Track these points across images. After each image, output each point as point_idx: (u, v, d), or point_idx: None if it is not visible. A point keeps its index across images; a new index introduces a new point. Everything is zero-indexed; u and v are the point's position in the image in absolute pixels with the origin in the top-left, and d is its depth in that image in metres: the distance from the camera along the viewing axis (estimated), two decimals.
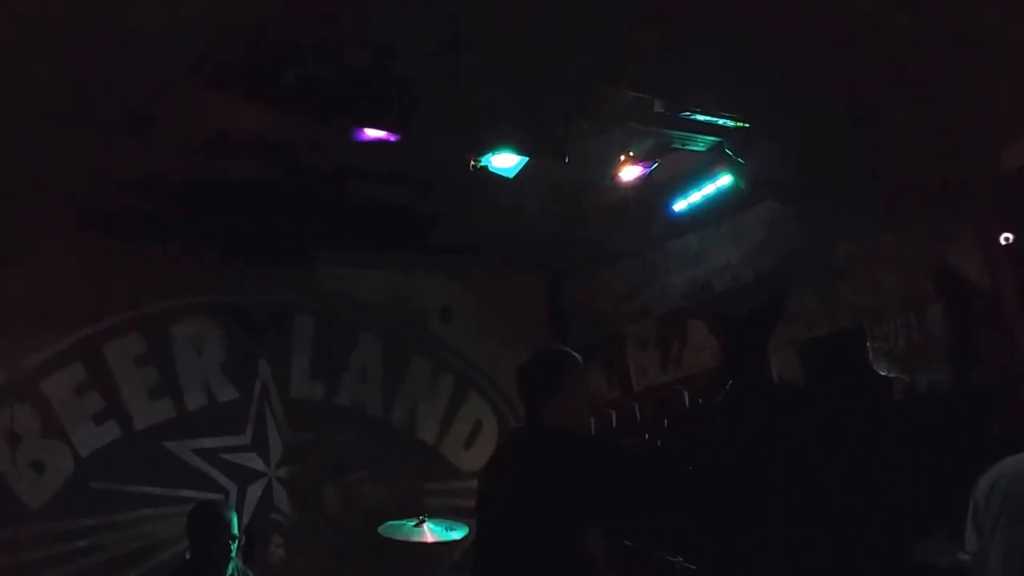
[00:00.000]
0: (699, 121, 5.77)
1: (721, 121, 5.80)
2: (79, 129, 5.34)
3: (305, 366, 7.19)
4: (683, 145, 6.00)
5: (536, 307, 8.14)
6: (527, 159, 5.61)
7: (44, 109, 5.13)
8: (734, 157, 6.08)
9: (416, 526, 5.71)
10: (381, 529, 5.74)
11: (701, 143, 5.99)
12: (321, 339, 7.27)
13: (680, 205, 6.85)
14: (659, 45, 5.10)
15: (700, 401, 7.16)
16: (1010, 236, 5.85)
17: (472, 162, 5.60)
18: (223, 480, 6.77)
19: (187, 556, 5.09)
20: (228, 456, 6.81)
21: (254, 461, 6.91)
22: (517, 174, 5.71)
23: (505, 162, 5.62)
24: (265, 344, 7.06)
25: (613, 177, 6.22)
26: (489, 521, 3.73)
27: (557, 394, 3.73)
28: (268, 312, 7.11)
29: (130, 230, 6.45)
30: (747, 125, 5.82)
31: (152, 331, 6.71)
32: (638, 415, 7.61)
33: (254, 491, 6.87)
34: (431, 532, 5.70)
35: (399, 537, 5.72)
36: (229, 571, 4.91)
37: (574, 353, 3.98)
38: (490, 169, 5.63)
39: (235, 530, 5.02)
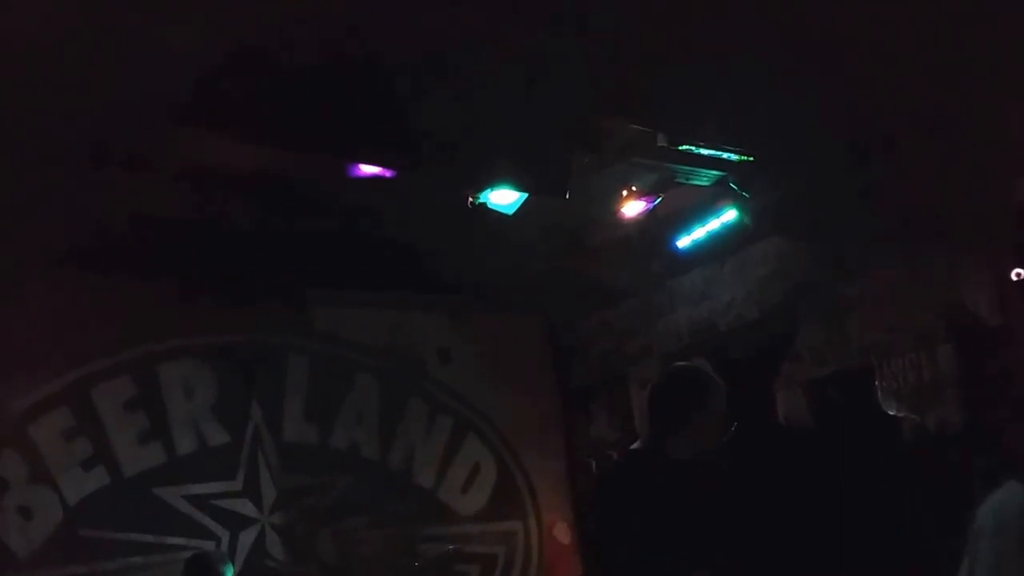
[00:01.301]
0: (703, 155, 5.69)
1: (725, 155, 5.72)
2: (66, 166, 5.23)
3: (299, 408, 7.04)
4: (687, 179, 5.92)
5: (536, 347, 8.03)
6: (527, 195, 5.50)
7: (30, 145, 5.02)
8: (739, 191, 6.01)
9: None
10: None
11: (705, 177, 5.92)
12: (315, 381, 7.12)
13: (684, 241, 6.76)
14: (662, 78, 5.03)
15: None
16: (1022, 272, 5.78)
17: (470, 199, 5.50)
18: (214, 527, 6.59)
19: None
20: (219, 502, 6.64)
21: (246, 507, 6.74)
22: (516, 211, 5.61)
23: (504, 199, 5.52)
24: (257, 386, 6.90)
25: (615, 213, 6.13)
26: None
27: (691, 421, 3.68)
28: (260, 353, 6.96)
29: (119, 270, 6.32)
30: (752, 159, 5.75)
31: (141, 374, 6.56)
32: None
33: (246, 538, 6.70)
34: None
35: None
36: None
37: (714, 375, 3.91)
38: (489, 206, 5.53)
39: None
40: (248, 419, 6.84)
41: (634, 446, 3.83)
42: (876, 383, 6.29)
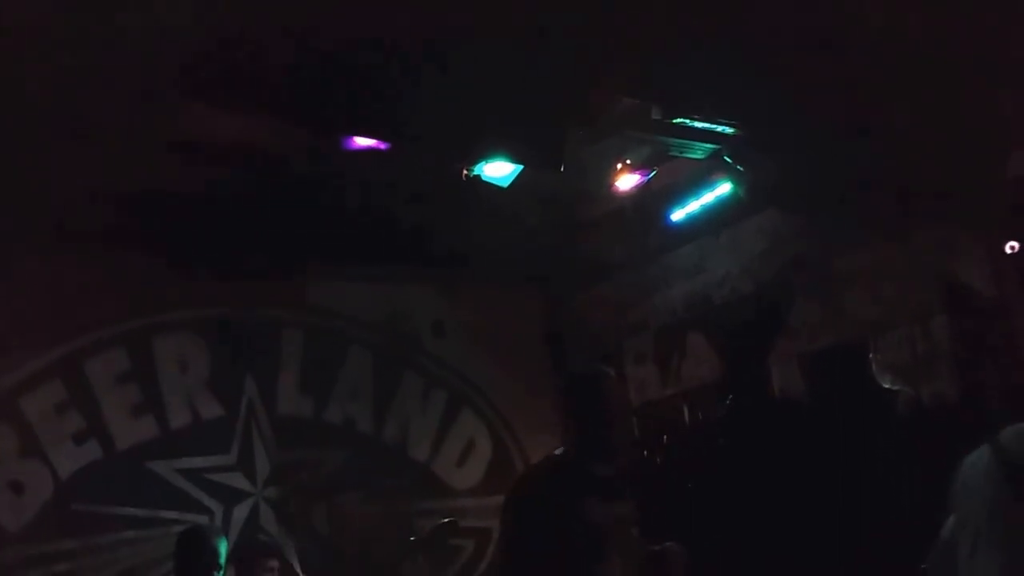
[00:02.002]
0: (697, 128, 5.65)
1: (720, 128, 5.69)
2: (58, 140, 5.18)
3: (293, 382, 7.00)
4: (681, 153, 5.89)
5: (531, 321, 7.99)
6: (521, 168, 5.47)
7: (22, 119, 4.97)
8: (733, 165, 5.98)
9: None
10: None
11: (699, 151, 5.89)
12: (309, 354, 7.08)
13: (678, 215, 6.74)
14: (656, 51, 5.00)
15: (701, 416, 7.05)
16: (1016, 245, 5.77)
17: (465, 171, 5.47)
18: (208, 501, 6.57)
19: None
20: (213, 476, 6.60)
21: (240, 481, 6.70)
22: (511, 184, 5.58)
23: (498, 171, 5.49)
24: (251, 360, 6.86)
25: (610, 186, 6.12)
26: None
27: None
28: (254, 327, 6.91)
29: (112, 244, 6.25)
30: (746, 132, 5.72)
31: (135, 347, 6.51)
32: (637, 430, 7.48)
33: (240, 512, 6.67)
34: None
35: None
36: None
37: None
38: (483, 178, 5.50)
39: (222, 560, 4.85)
40: (242, 393, 6.79)
41: (557, 451, 3.79)
42: (871, 357, 6.35)
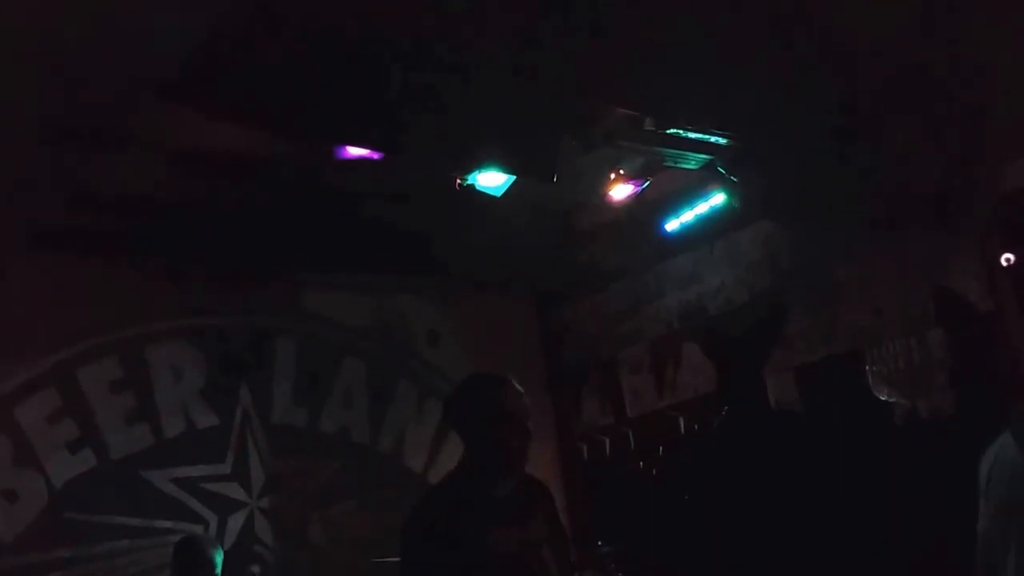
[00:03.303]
0: (690, 138, 5.65)
1: (713, 138, 5.69)
2: (52, 146, 5.19)
3: (288, 391, 7.00)
4: (674, 163, 5.89)
5: (526, 331, 8.00)
6: (515, 178, 5.47)
7: (15, 125, 4.98)
8: (727, 175, 5.98)
9: None
10: None
11: (693, 161, 5.88)
12: (304, 363, 7.08)
13: (672, 224, 6.75)
14: (649, 62, 5.00)
15: (696, 427, 7.03)
16: (1011, 257, 5.76)
17: (459, 181, 5.47)
18: (203, 510, 6.54)
19: None
20: (208, 485, 6.58)
21: (235, 491, 6.68)
22: (505, 193, 5.59)
23: (492, 181, 5.50)
24: (246, 369, 6.85)
25: (603, 196, 6.13)
26: None
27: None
28: (250, 336, 6.91)
29: (107, 251, 6.27)
30: (740, 143, 5.71)
31: (129, 356, 6.50)
32: (632, 442, 7.47)
33: (235, 522, 6.64)
34: None
35: None
36: None
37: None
38: (477, 188, 5.51)
39: (218, 570, 4.86)
40: (237, 402, 6.79)
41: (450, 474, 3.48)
42: (867, 368, 6.33)
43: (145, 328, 6.57)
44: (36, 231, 5.97)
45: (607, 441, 7.64)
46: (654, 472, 7.13)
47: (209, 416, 6.69)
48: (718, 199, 6.37)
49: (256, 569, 6.35)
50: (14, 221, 5.78)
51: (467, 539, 3.13)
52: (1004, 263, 5.75)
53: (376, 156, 5.34)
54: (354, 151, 5.32)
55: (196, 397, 6.66)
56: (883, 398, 6.20)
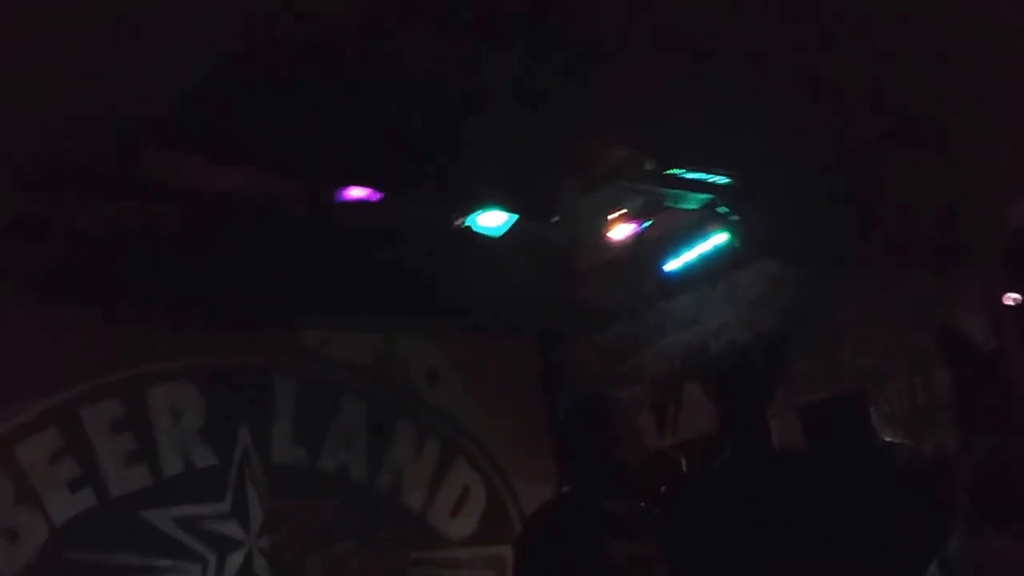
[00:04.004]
0: (691, 179, 5.66)
1: (714, 179, 5.69)
2: (50, 187, 5.21)
3: (287, 430, 6.99)
4: (676, 203, 5.89)
5: (526, 370, 7.96)
6: (515, 218, 5.47)
7: (13, 164, 5.00)
8: (728, 215, 5.98)
9: None
10: None
11: (694, 201, 5.89)
12: (304, 403, 7.07)
13: (674, 265, 6.73)
14: (649, 103, 5.00)
15: (698, 468, 6.97)
16: (1017, 297, 5.75)
17: (458, 221, 5.48)
18: (202, 549, 6.52)
19: None
20: (207, 525, 6.57)
21: (234, 530, 6.67)
22: (504, 233, 5.59)
23: (492, 221, 5.50)
24: (246, 408, 6.86)
25: (604, 236, 6.12)
26: None
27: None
28: (249, 375, 6.92)
29: (108, 293, 6.28)
30: (741, 183, 5.71)
31: (130, 395, 6.52)
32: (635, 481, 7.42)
33: (234, 561, 6.62)
34: None
35: None
36: None
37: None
38: (476, 229, 5.51)
39: None
40: (236, 441, 6.78)
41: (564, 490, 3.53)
42: (871, 409, 6.28)
43: (146, 369, 6.58)
44: (38, 273, 5.99)
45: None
46: (655, 512, 7.07)
47: (208, 455, 6.69)
48: (719, 239, 6.36)
49: None
50: (15, 263, 5.80)
51: (578, 553, 3.22)
52: (1008, 303, 5.74)
53: (375, 197, 5.35)
54: (354, 191, 5.34)
55: (195, 437, 6.66)
56: (888, 438, 6.14)
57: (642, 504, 3.42)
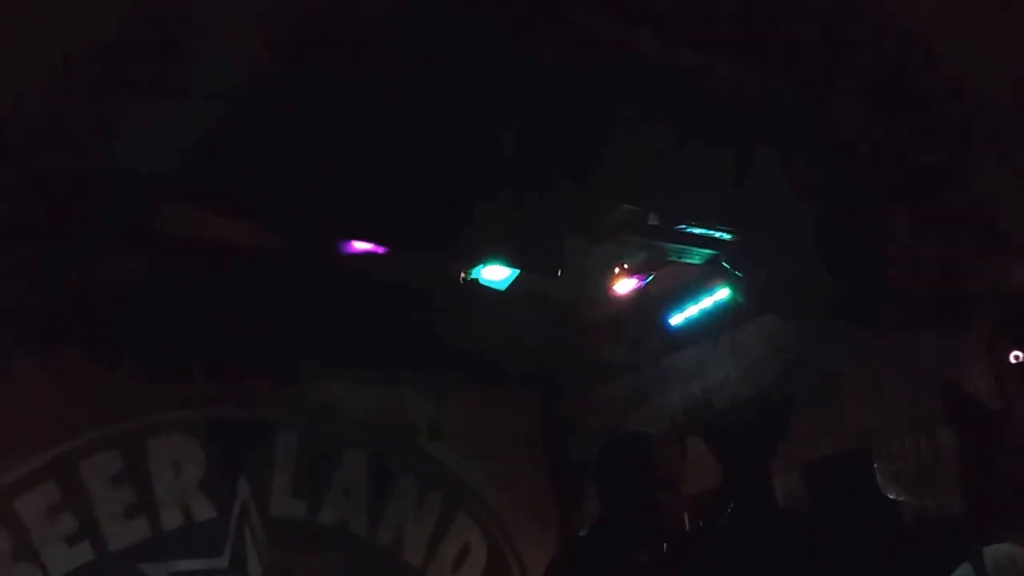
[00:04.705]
0: (695, 234, 5.67)
1: (717, 234, 5.70)
2: (53, 239, 5.22)
3: (287, 483, 6.93)
4: (679, 258, 5.90)
5: (529, 424, 7.91)
6: (519, 272, 5.48)
7: (15, 216, 5.01)
8: (731, 270, 5.98)
9: None
10: None
11: (697, 256, 5.90)
12: (304, 455, 7.02)
13: (677, 319, 6.72)
14: (652, 160, 5.03)
15: (701, 524, 6.92)
16: (1020, 354, 5.72)
17: (463, 274, 5.48)
18: None
19: None
20: None
21: None
22: (508, 288, 5.59)
23: (496, 275, 5.51)
24: (246, 461, 6.80)
25: (607, 290, 6.14)
26: None
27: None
28: (250, 428, 6.88)
29: (109, 344, 6.29)
30: (743, 239, 5.72)
31: (130, 448, 6.48)
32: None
33: None
34: None
35: None
36: None
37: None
38: (481, 282, 5.52)
39: None
40: (236, 494, 6.73)
41: (581, 532, 3.32)
42: (875, 466, 6.25)
43: (147, 420, 6.55)
44: (40, 324, 5.99)
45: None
46: (658, 569, 6.99)
47: (207, 509, 6.63)
48: (723, 294, 6.35)
49: None
50: (16, 315, 5.79)
51: None
52: (1013, 360, 5.72)
53: (380, 250, 5.36)
54: (358, 244, 5.35)
55: (195, 490, 6.60)
56: (891, 496, 6.10)
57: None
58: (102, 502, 6.34)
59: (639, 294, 6.22)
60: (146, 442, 6.54)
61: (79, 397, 6.28)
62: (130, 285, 5.85)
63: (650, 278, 6.12)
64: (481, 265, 5.43)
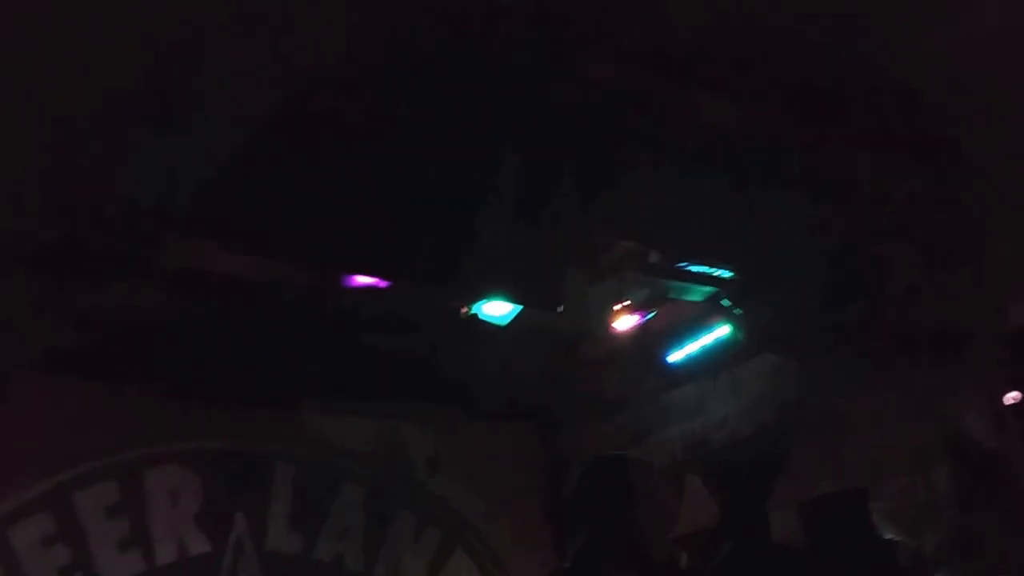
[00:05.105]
0: (695, 271, 5.69)
1: (718, 272, 5.73)
2: (53, 268, 5.21)
3: (283, 517, 6.89)
4: (680, 295, 5.93)
5: (529, 459, 7.89)
6: (520, 307, 5.49)
7: (14, 245, 5.02)
8: (731, 308, 6.00)
9: None
10: None
11: (698, 293, 5.92)
12: (301, 489, 6.99)
13: (677, 355, 6.74)
14: (653, 197, 5.07)
15: (698, 562, 6.89)
16: (1017, 395, 5.74)
17: (464, 309, 5.49)
18: None
19: None
20: None
21: None
22: (509, 323, 5.60)
23: (497, 310, 5.51)
24: (243, 494, 6.77)
25: (608, 326, 6.15)
26: None
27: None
28: (248, 460, 6.85)
29: (106, 374, 6.27)
30: (744, 277, 5.75)
31: (127, 479, 6.45)
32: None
33: None
34: None
35: None
36: None
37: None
38: (482, 316, 5.52)
39: None
40: (231, 528, 6.68)
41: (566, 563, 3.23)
42: (872, 505, 6.24)
43: (144, 451, 6.52)
44: (34, 354, 5.97)
45: None
46: None
47: (202, 542, 6.58)
48: (723, 331, 6.38)
49: None
50: (12, 343, 5.78)
51: None
52: (1010, 401, 5.74)
53: (382, 284, 5.37)
54: (360, 278, 5.36)
55: (191, 523, 6.57)
56: (889, 536, 6.09)
57: None
58: (97, 534, 6.29)
59: (640, 330, 6.23)
60: (143, 473, 6.51)
61: (76, 426, 6.23)
62: (130, 316, 5.85)
63: (651, 315, 6.13)
64: (482, 300, 5.42)
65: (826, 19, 4.30)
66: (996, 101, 4.77)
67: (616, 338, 6.29)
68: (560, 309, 5.46)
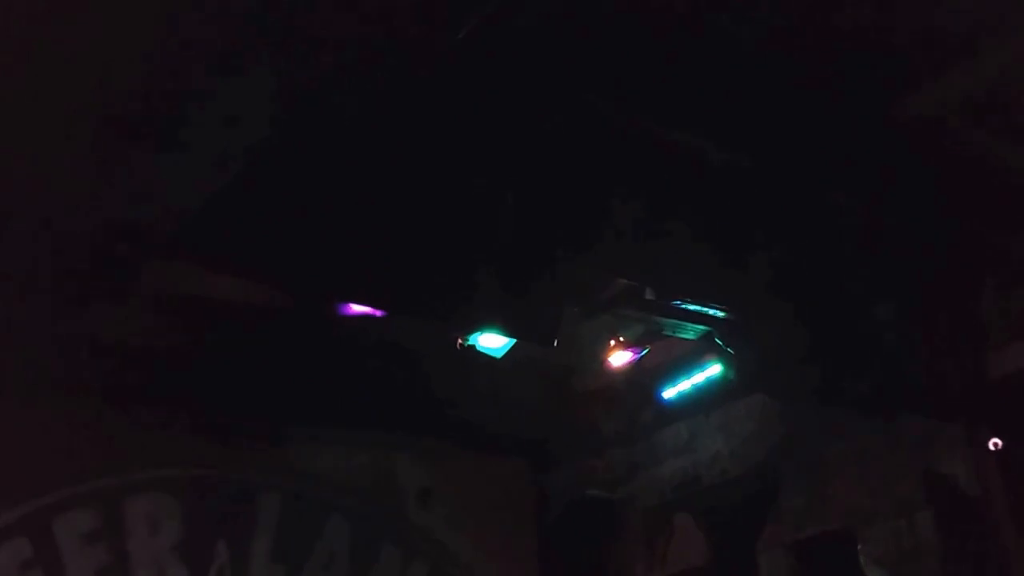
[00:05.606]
0: (689, 310, 5.73)
1: (711, 311, 5.77)
2: (43, 292, 5.14)
3: (267, 549, 6.74)
4: (673, 333, 5.95)
5: (519, 493, 7.80)
6: (515, 341, 5.49)
7: (10, 271, 4.94)
8: (723, 347, 6.04)
9: None
10: None
11: (691, 331, 5.94)
12: (286, 521, 6.85)
13: (669, 393, 6.77)
14: (650, 235, 5.13)
15: None
16: (998, 442, 5.83)
17: (460, 341, 5.47)
18: None
19: None
20: None
21: None
22: (504, 356, 5.59)
23: (493, 342, 5.50)
24: (226, 524, 6.63)
25: (603, 362, 6.18)
26: None
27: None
28: (233, 489, 6.72)
29: (91, 399, 6.15)
30: (736, 316, 5.80)
31: (106, 506, 6.30)
32: None
33: None
34: None
35: None
36: None
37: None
38: (478, 348, 5.51)
39: None
40: (213, 558, 6.53)
41: None
42: (858, 548, 6.28)
43: (125, 478, 6.39)
44: (22, 377, 5.85)
45: None
46: None
47: (182, 572, 6.44)
48: (714, 370, 6.42)
49: None
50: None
51: None
52: (991, 448, 5.82)
53: (378, 313, 5.35)
54: (357, 308, 5.34)
55: (171, 552, 6.42)
56: None
57: None
58: (73, 562, 6.13)
59: (633, 367, 6.26)
60: (124, 500, 6.37)
61: (57, 451, 6.10)
62: (116, 340, 5.78)
63: (645, 352, 6.16)
64: (478, 332, 5.42)
65: None
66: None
67: (610, 374, 6.31)
68: (555, 344, 5.47)
